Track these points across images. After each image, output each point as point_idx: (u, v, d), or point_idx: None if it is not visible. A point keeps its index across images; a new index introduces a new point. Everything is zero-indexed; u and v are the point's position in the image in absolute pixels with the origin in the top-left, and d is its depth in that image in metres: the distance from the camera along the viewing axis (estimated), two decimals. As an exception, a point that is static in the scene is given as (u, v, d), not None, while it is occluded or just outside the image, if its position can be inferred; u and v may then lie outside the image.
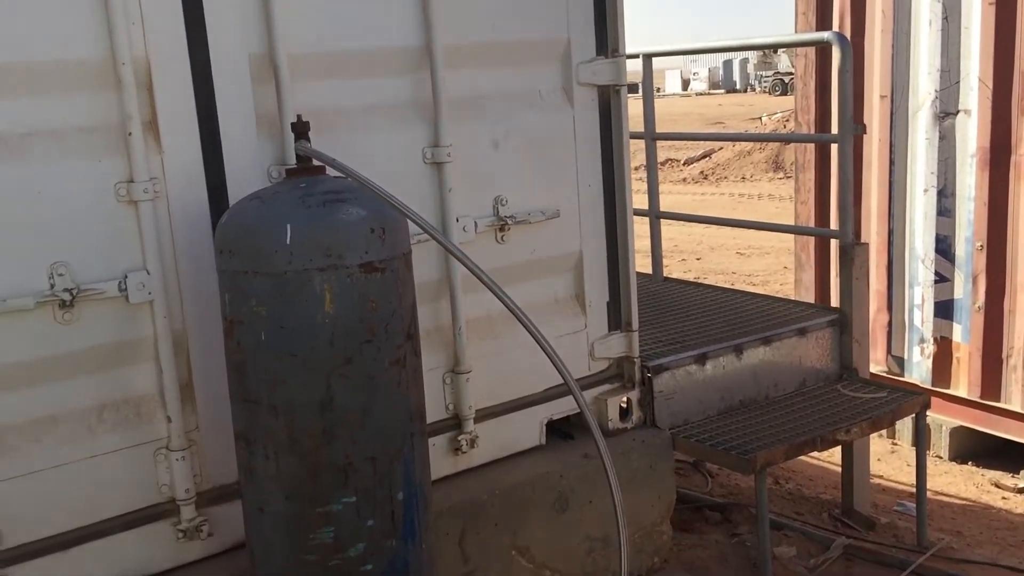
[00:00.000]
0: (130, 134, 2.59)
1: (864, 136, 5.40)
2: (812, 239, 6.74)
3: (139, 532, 2.75)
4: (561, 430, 3.69)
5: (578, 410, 3.62)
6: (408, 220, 2.50)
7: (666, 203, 5.76)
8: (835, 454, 5.13)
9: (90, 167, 2.58)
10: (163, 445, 2.77)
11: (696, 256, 12.13)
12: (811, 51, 6.68)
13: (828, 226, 6.50)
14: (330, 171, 2.56)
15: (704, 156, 20.96)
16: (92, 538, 2.69)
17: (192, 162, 2.73)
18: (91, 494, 2.68)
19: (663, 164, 19.69)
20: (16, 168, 2.47)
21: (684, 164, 20.83)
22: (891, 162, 6.13)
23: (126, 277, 2.64)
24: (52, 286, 2.54)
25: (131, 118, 2.58)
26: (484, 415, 3.42)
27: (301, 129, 2.57)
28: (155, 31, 2.62)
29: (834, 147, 5.92)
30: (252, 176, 2.80)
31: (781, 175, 18.81)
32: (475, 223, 3.30)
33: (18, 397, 2.56)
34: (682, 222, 11.68)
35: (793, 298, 6.55)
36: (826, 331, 4.38)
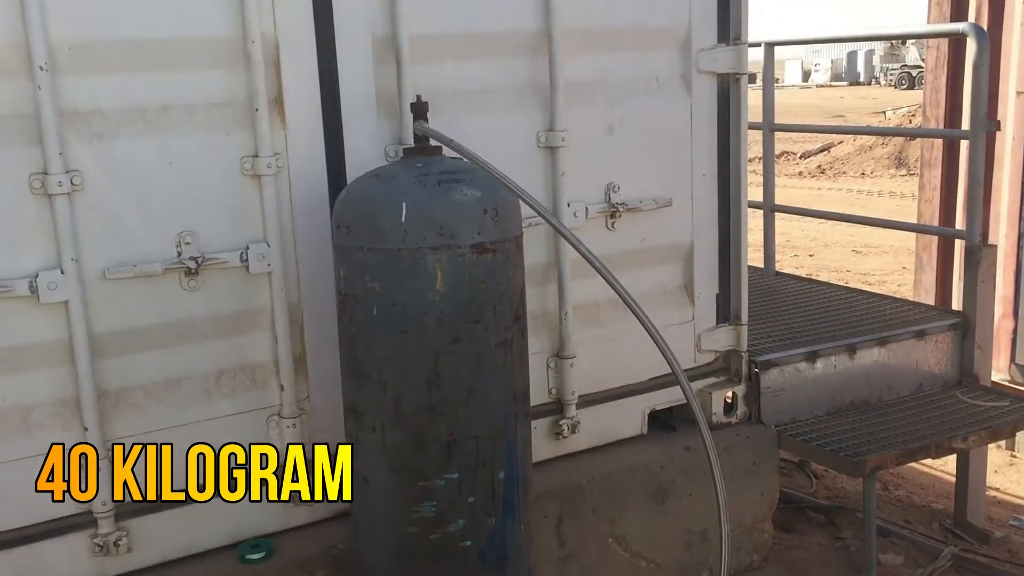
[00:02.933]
0: (257, 110, 2.67)
1: (996, 134, 5.15)
2: (935, 239, 6.46)
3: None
4: (663, 421, 3.66)
5: (681, 401, 3.60)
6: (520, 203, 2.51)
7: (781, 197, 5.62)
8: (949, 463, 4.94)
9: (218, 141, 2.68)
10: (276, 412, 2.86)
11: (809, 252, 11.80)
12: (943, 43, 6.39)
13: (953, 227, 6.23)
14: (447, 152, 2.59)
15: (823, 150, 20.33)
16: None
17: (314, 139, 2.80)
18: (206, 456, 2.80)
19: (779, 157, 19.16)
20: (152, 139, 2.59)
21: (801, 158, 20.26)
22: (1025, 162, 5.82)
23: (248, 248, 2.73)
24: (179, 254, 2.65)
25: (258, 94, 2.67)
26: (586, 401, 3.42)
27: (420, 109, 2.60)
28: (284, 10, 2.69)
29: (964, 144, 5.67)
30: (370, 154, 2.86)
31: (904, 172, 18.09)
32: (586, 209, 3.29)
33: (144, 359, 2.69)
34: (795, 217, 11.38)
35: (912, 299, 6.31)
36: (946, 335, 4.21)
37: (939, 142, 6.50)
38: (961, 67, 6.00)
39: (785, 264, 10.45)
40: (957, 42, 6.10)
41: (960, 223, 5.87)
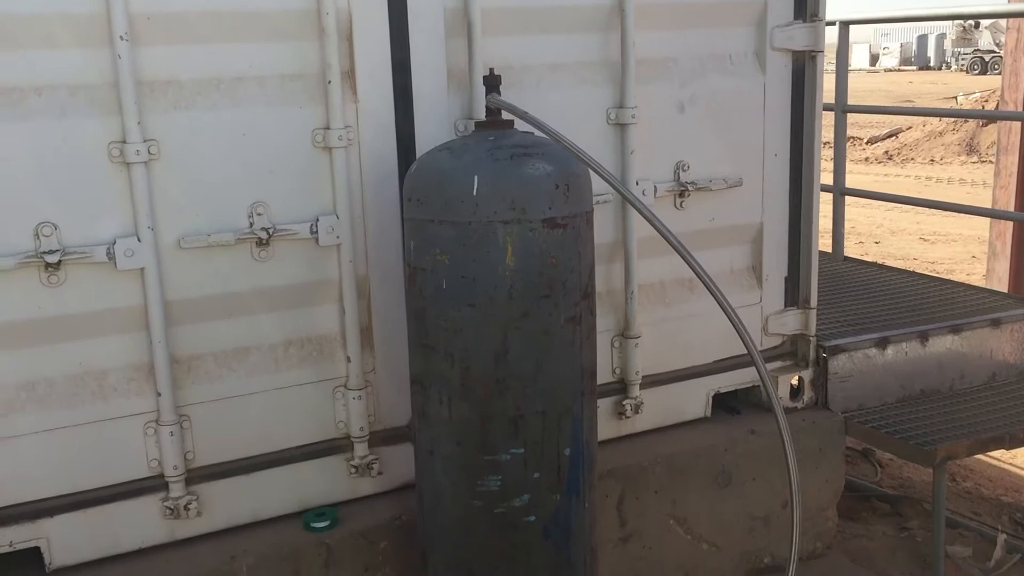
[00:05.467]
0: (329, 82, 2.68)
1: (1080, 117, 4.97)
2: (1010, 226, 6.30)
3: (316, 464, 2.89)
4: (727, 404, 3.61)
5: (746, 384, 3.56)
6: (591, 179, 2.49)
7: (847, 183, 5.50)
8: (1018, 456, 4.83)
9: (290, 113, 2.70)
10: (342, 384, 2.89)
11: (875, 240, 11.55)
12: (1023, 24, 6.19)
13: (1030, 213, 6.07)
14: (518, 125, 2.58)
15: (890, 135, 19.85)
16: (274, 465, 2.84)
17: (384, 112, 2.81)
18: (274, 423, 2.83)
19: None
20: (226, 110, 2.61)
21: (867, 143, 19.81)
22: (1109, 147, 5.63)
23: (317, 220, 2.75)
24: (251, 224, 2.68)
25: (331, 67, 2.67)
26: (650, 382, 3.39)
27: (493, 83, 2.59)
28: (358, -18, 2.69)
29: (1044, 128, 5.50)
30: (439, 128, 2.85)
31: (975, 159, 17.60)
32: (655, 187, 3.25)
33: (215, 327, 2.73)
34: (861, 203, 11.12)
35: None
36: (1022, 324, 4.09)
37: (1016, 127, 6.32)
38: (1043, 49, 5.82)
39: (850, 251, 10.17)
40: (1040, 23, 5.90)
41: (1038, 210, 5.71)
